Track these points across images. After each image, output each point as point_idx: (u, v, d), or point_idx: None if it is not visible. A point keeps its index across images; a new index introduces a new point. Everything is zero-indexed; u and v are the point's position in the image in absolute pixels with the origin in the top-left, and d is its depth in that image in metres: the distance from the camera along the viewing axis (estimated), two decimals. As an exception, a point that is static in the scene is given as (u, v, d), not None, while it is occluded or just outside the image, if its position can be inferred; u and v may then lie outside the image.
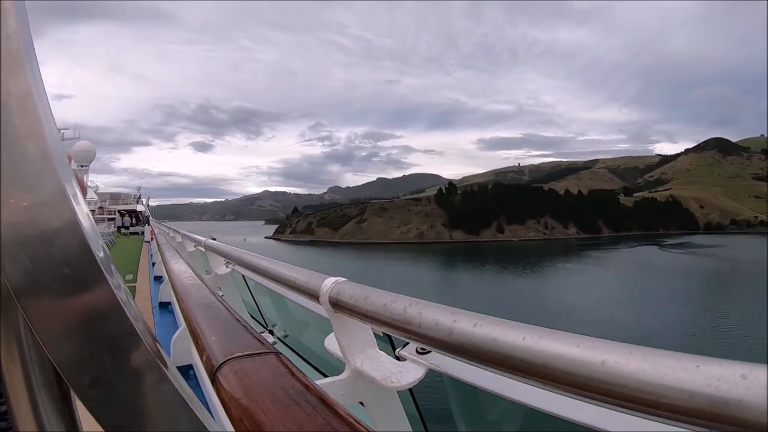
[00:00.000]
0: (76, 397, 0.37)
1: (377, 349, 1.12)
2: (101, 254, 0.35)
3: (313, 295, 1.08)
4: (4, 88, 0.32)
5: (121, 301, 0.35)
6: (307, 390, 0.63)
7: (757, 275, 47.14)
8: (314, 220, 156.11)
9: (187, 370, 2.46)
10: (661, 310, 33.24)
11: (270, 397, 0.61)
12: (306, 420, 0.55)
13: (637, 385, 0.43)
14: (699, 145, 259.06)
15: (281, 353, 0.80)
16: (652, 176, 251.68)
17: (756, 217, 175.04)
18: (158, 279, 6.04)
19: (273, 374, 0.70)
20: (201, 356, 0.89)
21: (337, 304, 1.00)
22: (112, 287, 0.34)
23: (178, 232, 6.10)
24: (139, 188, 41.21)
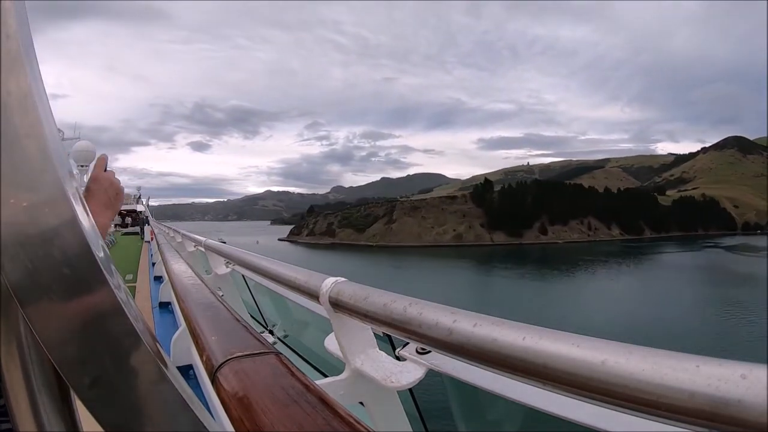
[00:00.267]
0: (76, 397, 0.37)
1: (377, 349, 1.12)
2: (101, 254, 0.35)
3: (313, 295, 1.08)
4: (4, 88, 0.32)
5: (121, 301, 0.35)
6: (307, 390, 0.63)
7: None
8: (335, 220, 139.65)
9: (187, 370, 2.46)
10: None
11: (270, 397, 0.61)
12: (306, 420, 0.55)
13: (637, 385, 0.43)
14: (718, 143, 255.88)
15: (281, 353, 0.80)
16: (672, 175, 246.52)
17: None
18: (158, 279, 6.04)
19: (273, 374, 0.70)
20: (201, 356, 0.89)
21: (337, 304, 1.00)
22: (112, 287, 0.35)
23: (178, 232, 6.09)
24: (139, 188, 41.16)
